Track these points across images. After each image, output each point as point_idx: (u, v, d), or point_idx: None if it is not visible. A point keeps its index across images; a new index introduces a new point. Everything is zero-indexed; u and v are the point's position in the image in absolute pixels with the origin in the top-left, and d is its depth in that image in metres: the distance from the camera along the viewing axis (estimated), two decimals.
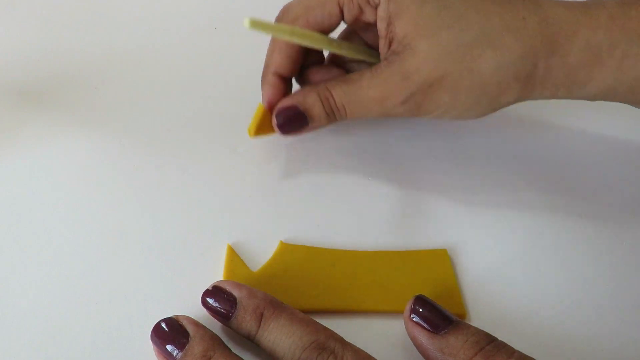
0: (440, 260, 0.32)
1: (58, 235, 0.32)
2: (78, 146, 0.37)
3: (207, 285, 0.28)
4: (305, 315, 0.27)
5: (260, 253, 0.32)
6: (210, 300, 0.27)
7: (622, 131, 0.40)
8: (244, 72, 0.43)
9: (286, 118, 0.33)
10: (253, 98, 0.41)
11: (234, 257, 0.31)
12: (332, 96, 0.33)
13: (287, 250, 0.31)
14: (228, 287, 0.27)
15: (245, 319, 0.26)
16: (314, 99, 0.33)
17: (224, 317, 0.27)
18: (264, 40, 0.47)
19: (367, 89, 0.32)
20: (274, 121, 0.33)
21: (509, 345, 0.25)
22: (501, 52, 0.30)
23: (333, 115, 0.33)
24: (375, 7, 0.32)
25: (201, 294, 0.27)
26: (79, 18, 0.48)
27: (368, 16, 0.33)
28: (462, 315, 0.29)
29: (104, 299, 0.29)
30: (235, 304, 0.27)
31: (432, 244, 0.33)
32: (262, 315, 0.26)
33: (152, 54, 0.44)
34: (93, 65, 0.43)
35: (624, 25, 0.30)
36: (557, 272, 0.32)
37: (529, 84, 0.31)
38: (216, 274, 0.30)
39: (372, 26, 0.34)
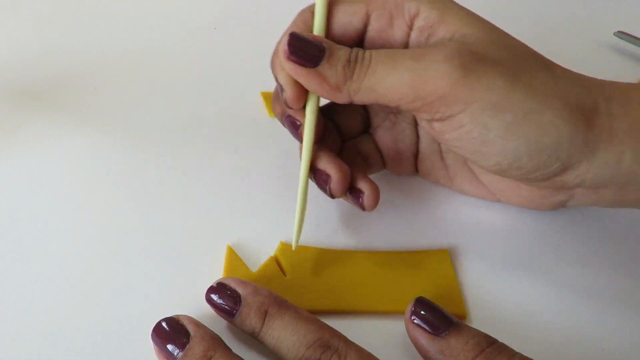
0: (441, 261, 0.32)
1: (58, 235, 0.32)
2: (78, 146, 0.37)
3: (208, 285, 0.28)
4: (310, 314, 0.27)
5: (260, 253, 0.32)
6: (214, 297, 0.27)
7: None
8: (244, 72, 0.43)
9: (301, 42, 0.27)
10: (253, 98, 0.41)
11: (234, 258, 0.31)
12: (361, 51, 0.27)
13: (287, 250, 0.31)
14: (232, 284, 0.27)
15: (249, 316, 0.26)
16: (339, 45, 0.28)
17: (227, 313, 0.27)
18: (263, 40, 0.47)
19: (405, 53, 0.27)
20: (285, 42, 0.27)
21: (509, 347, 0.25)
22: (559, 74, 0.27)
23: (352, 69, 0.27)
24: (411, 19, 0.28)
25: (205, 291, 0.27)
26: (79, 18, 0.48)
27: (395, 31, 0.29)
28: (463, 315, 0.29)
29: (104, 299, 0.29)
30: (240, 301, 0.27)
31: (433, 244, 0.33)
32: (266, 312, 0.26)
33: (152, 54, 0.44)
34: (93, 66, 0.43)
35: None
36: (558, 273, 0.32)
37: (593, 126, 0.26)
38: (216, 274, 0.30)
39: None
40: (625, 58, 0.46)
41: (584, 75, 0.28)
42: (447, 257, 0.32)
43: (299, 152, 0.31)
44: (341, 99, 0.28)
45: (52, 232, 0.32)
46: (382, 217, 0.34)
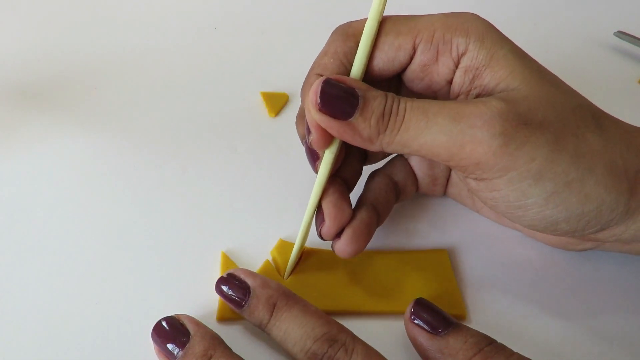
0: (440, 261, 0.32)
1: (57, 235, 0.32)
2: (78, 146, 0.37)
3: (207, 285, 0.28)
4: (318, 309, 0.27)
5: (260, 253, 0.32)
6: (224, 288, 0.27)
7: None
8: (244, 72, 0.43)
9: (334, 91, 0.25)
10: (253, 98, 0.41)
11: (230, 264, 0.31)
12: (396, 102, 0.26)
13: (285, 249, 0.31)
14: (242, 276, 0.28)
15: (257, 308, 0.26)
16: (375, 92, 0.26)
17: (236, 304, 0.27)
18: (263, 40, 0.47)
19: (441, 110, 0.25)
20: (315, 92, 0.25)
21: (507, 347, 0.25)
22: (607, 129, 0.26)
23: (385, 123, 0.25)
24: (459, 57, 0.27)
25: (204, 290, 0.28)
26: (79, 18, 0.48)
27: (440, 67, 0.27)
28: (462, 316, 0.29)
29: (103, 300, 0.29)
30: (249, 292, 0.27)
31: (432, 245, 0.33)
32: (274, 305, 0.26)
33: (152, 54, 0.44)
34: (93, 66, 0.43)
35: None
36: (557, 273, 0.32)
37: (636, 192, 0.25)
38: (215, 274, 0.30)
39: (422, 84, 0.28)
40: (625, 58, 0.46)
41: (633, 128, 0.27)
42: (446, 257, 0.32)
43: (306, 155, 0.29)
44: (373, 149, 0.26)
45: (51, 232, 0.32)
46: None
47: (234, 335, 0.28)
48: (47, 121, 0.38)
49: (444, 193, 0.35)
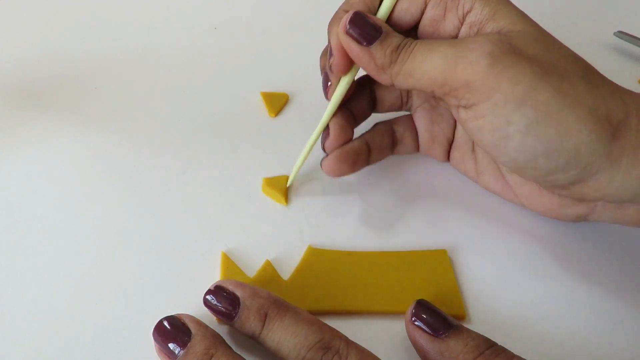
0: (440, 261, 0.32)
1: (57, 235, 0.32)
2: (78, 146, 0.37)
3: (207, 285, 0.28)
4: (310, 315, 0.27)
5: (260, 253, 0.32)
6: (212, 300, 0.27)
7: None
8: (244, 72, 0.43)
9: (362, 21, 0.29)
10: (253, 98, 0.41)
11: (229, 264, 0.31)
12: (410, 40, 0.29)
13: (275, 180, 0.33)
14: (230, 287, 0.27)
15: (249, 319, 0.26)
16: (396, 33, 0.29)
17: (226, 317, 0.27)
18: (263, 40, 0.47)
19: (444, 41, 0.28)
20: (347, 16, 0.29)
21: (508, 350, 0.25)
22: (594, 80, 0.27)
23: (398, 54, 0.29)
24: (464, 14, 0.29)
25: (203, 294, 0.27)
26: (79, 18, 0.48)
27: (447, 23, 0.29)
28: (462, 316, 0.29)
29: (103, 300, 0.29)
30: (239, 303, 0.26)
31: (432, 245, 0.33)
32: (266, 315, 0.26)
33: (152, 54, 0.44)
34: (93, 66, 0.43)
35: None
36: (557, 274, 0.32)
37: (620, 136, 0.26)
38: (215, 274, 0.30)
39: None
40: (625, 58, 0.46)
41: (625, 89, 0.27)
42: (446, 257, 0.32)
43: (322, 83, 0.33)
44: (384, 79, 0.30)
45: (51, 232, 0.32)
46: (382, 217, 0.34)
47: (234, 335, 0.28)
48: (47, 121, 0.38)
49: (446, 158, 0.36)
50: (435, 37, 0.30)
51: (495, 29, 0.28)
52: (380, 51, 0.29)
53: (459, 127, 0.35)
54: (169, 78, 0.43)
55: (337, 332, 0.26)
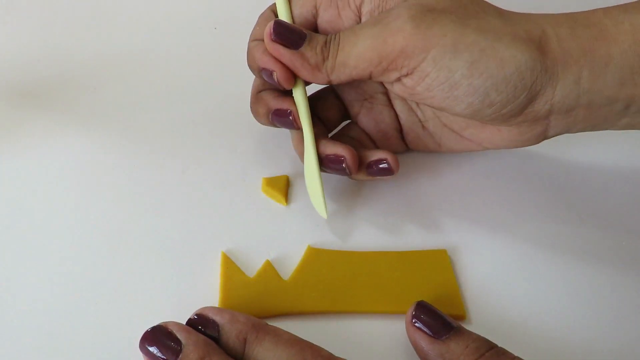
0: (440, 261, 0.32)
1: (56, 235, 0.32)
2: (78, 146, 0.37)
3: (207, 285, 0.28)
4: (291, 335, 0.26)
5: (260, 253, 0.32)
6: (199, 328, 0.26)
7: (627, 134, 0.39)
8: (243, 72, 0.43)
9: (284, 28, 0.30)
10: None
11: (229, 264, 0.31)
12: (334, 34, 0.31)
13: (275, 180, 0.33)
14: (210, 314, 0.26)
15: (228, 345, 0.25)
16: (316, 33, 0.31)
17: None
18: None
19: (365, 23, 0.30)
20: (270, 26, 0.30)
21: (509, 352, 0.25)
22: (506, 14, 0.29)
23: (328, 49, 0.30)
24: (358, 8, 0.31)
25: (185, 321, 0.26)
26: (79, 18, 0.48)
27: (345, 21, 0.32)
28: (462, 316, 0.29)
29: (103, 300, 0.29)
30: (218, 330, 0.25)
31: (432, 244, 0.33)
32: (245, 340, 0.25)
33: (151, 54, 0.44)
34: (93, 66, 0.43)
35: (620, 7, 0.29)
36: (557, 274, 0.32)
37: (546, 50, 0.28)
38: (216, 274, 0.30)
39: None
40: None
41: (532, 13, 0.30)
42: (446, 257, 0.32)
43: (294, 144, 0.34)
44: (321, 78, 0.31)
45: (51, 232, 0.32)
46: (381, 217, 0.34)
47: None
48: (47, 121, 0.38)
49: (406, 147, 0.36)
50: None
51: (399, 2, 0.30)
52: (310, 51, 0.30)
53: (400, 114, 0.35)
54: (169, 78, 0.43)
55: (320, 350, 0.25)
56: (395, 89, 0.31)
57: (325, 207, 0.32)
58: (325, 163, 0.32)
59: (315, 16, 0.32)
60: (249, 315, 0.26)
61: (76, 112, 0.39)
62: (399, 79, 0.30)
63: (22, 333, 0.28)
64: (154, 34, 0.46)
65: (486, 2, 0.30)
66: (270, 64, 0.31)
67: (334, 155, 0.32)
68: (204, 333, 0.25)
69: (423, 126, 0.35)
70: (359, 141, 0.35)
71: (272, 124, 0.33)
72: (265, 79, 0.32)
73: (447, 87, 0.29)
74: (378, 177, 0.32)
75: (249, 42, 0.33)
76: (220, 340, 0.25)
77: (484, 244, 0.33)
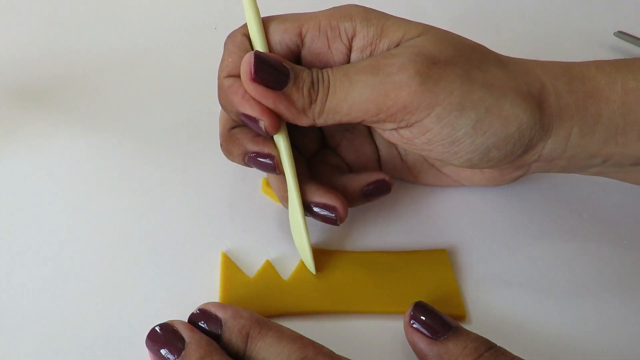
0: (440, 261, 0.32)
1: (56, 235, 0.32)
2: (78, 146, 0.37)
3: (207, 285, 0.28)
4: (293, 332, 0.26)
5: (260, 253, 0.32)
6: (199, 323, 0.26)
7: None
8: None
9: (265, 64, 0.26)
10: None
11: (229, 264, 0.31)
12: (321, 72, 0.27)
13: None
14: (213, 309, 0.26)
15: (231, 341, 0.25)
16: (300, 67, 0.28)
17: (213, 338, 0.26)
18: None
19: (360, 67, 0.27)
20: (249, 62, 0.26)
21: (508, 352, 0.25)
22: (506, 64, 0.28)
23: (316, 92, 0.27)
24: (349, 41, 0.28)
25: (188, 316, 0.27)
26: (79, 18, 0.48)
27: (335, 53, 0.29)
28: (462, 316, 0.29)
29: (103, 300, 0.29)
30: (221, 325, 0.26)
31: (432, 245, 0.33)
32: (247, 335, 0.25)
33: (152, 54, 0.44)
34: (93, 65, 0.43)
35: (613, 64, 0.29)
36: (557, 274, 0.32)
37: (545, 105, 0.28)
38: (216, 274, 0.30)
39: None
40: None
41: (530, 61, 0.29)
42: (446, 257, 0.32)
43: (274, 187, 0.31)
44: (305, 122, 0.28)
45: (51, 232, 0.32)
46: (382, 218, 0.34)
47: None
48: (47, 121, 0.38)
49: None
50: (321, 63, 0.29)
51: (393, 44, 0.28)
52: (296, 92, 0.27)
53: (380, 147, 0.34)
54: (169, 78, 0.43)
55: (322, 347, 0.25)
56: (388, 136, 0.29)
57: (313, 262, 0.30)
58: (312, 211, 0.30)
59: (299, 46, 0.29)
60: (251, 312, 0.26)
61: (76, 112, 0.39)
62: (395, 129, 0.28)
63: (22, 333, 0.28)
64: (154, 34, 0.46)
65: (486, 49, 0.29)
66: (256, 112, 0.27)
67: (323, 204, 0.29)
68: (206, 328, 0.26)
69: (402, 159, 0.35)
70: (338, 167, 0.33)
71: (248, 165, 0.30)
72: (247, 123, 0.28)
73: (448, 143, 0.27)
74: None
75: (220, 78, 0.29)
76: (222, 335, 0.26)
77: (484, 244, 0.33)
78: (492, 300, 0.30)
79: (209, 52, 0.45)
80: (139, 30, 0.47)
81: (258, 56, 0.26)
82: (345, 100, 0.27)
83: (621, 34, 0.47)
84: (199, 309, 0.27)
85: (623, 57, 0.30)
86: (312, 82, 0.27)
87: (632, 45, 0.47)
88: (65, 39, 0.45)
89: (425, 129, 0.27)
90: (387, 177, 0.31)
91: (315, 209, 0.30)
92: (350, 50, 0.29)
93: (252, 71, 0.26)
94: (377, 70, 0.27)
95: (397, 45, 0.28)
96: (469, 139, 0.27)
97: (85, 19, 0.48)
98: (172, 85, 0.42)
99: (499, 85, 0.27)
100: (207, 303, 0.27)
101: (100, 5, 0.49)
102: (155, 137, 0.38)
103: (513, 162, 0.29)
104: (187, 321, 0.26)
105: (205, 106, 0.40)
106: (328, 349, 0.25)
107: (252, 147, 0.29)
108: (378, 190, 0.31)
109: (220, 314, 0.26)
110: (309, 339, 0.26)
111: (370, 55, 0.28)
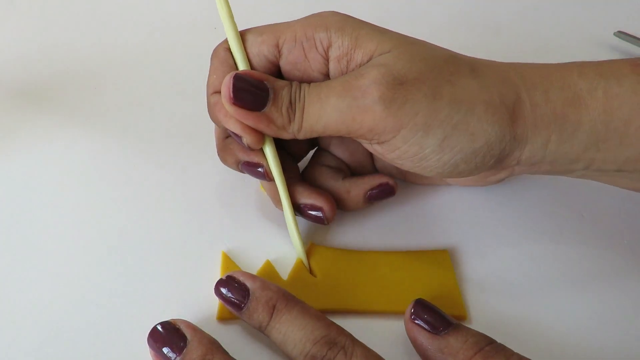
0: (441, 261, 0.32)
1: (57, 235, 0.32)
2: (78, 146, 0.37)
3: (207, 285, 0.28)
4: (318, 312, 0.27)
5: (260, 253, 0.32)
6: (223, 290, 0.27)
7: None
8: None
9: (244, 84, 0.27)
10: None
11: (230, 264, 0.31)
12: (299, 89, 0.28)
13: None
14: (241, 278, 0.27)
15: (257, 310, 0.26)
16: (280, 81, 0.28)
17: (235, 307, 0.27)
18: None
19: (331, 88, 0.28)
20: (228, 86, 0.27)
21: (507, 348, 0.25)
22: (481, 73, 0.28)
23: (293, 110, 0.28)
24: (325, 51, 0.28)
25: (212, 287, 0.28)
26: (79, 18, 0.48)
27: (312, 63, 0.29)
28: (462, 316, 0.29)
29: (103, 300, 0.29)
30: (248, 294, 0.27)
31: (433, 245, 0.33)
32: (274, 307, 0.26)
33: (152, 54, 0.44)
34: (93, 65, 0.43)
35: (596, 69, 0.28)
36: (557, 274, 0.32)
37: (518, 116, 0.27)
38: (215, 274, 0.30)
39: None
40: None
41: (506, 66, 0.29)
42: (447, 257, 0.32)
43: (267, 190, 0.32)
44: (287, 137, 0.29)
45: (51, 232, 0.32)
46: (382, 218, 0.34)
47: (234, 336, 0.28)
48: (47, 121, 0.38)
49: (376, 171, 0.35)
50: (306, 79, 0.29)
51: (366, 57, 0.28)
52: (276, 112, 0.28)
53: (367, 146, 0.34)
54: (169, 78, 0.43)
55: (344, 330, 0.26)
56: (366, 146, 0.29)
57: (307, 260, 0.31)
58: (302, 212, 0.31)
59: (277, 57, 0.29)
60: (278, 285, 0.27)
61: (76, 112, 0.39)
62: (369, 143, 0.28)
63: (23, 333, 0.28)
64: (154, 34, 0.46)
65: (460, 59, 0.28)
66: (238, 130, 0.28)
67: (310, 205, 0.31)
68: (231, 295, 0.27)
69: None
70: (340, 170, 0.33)
71: (242, 172, 0.31)
72: (233, 137, 0.30)
73: (417, 159, 0.28)
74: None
75: (207, 95, 0.30)
76: (249, 305, 0.27)
77: (485, 244, 0.33)
78: (492, 300, 0.30)
79: (209, 52, 0.45)
80: (139, 30, 0.47)
81: (238, 78, 0.27)
82: (318, 122, 0.28)
83: (621, 34, 0.47)
84: (227, 276, 0.28)
85: (623, 57, 0.30)
86: (290, 101, 0.28)
87: (632, 45, 0.47)
88: (65, 39, 0.45)
89: (394, 147, 0.27)
90: (390, 181, 0.32)
91: (304, 209, 0.31)
92: (327, 60, 0.29)
93: (231, 95, 0.27)
94: (346, 92, 0.27)
95: (370, 58, 0.28)
96: (437, 156, 0.27)
97: (85, 19, 0.48)
98: (172, 85, 0.42)
99: (468, 100, 0.27)
100: (236, 271, 0.28)
101: (100, 5, 0.49)
102: (155, 137, 0.38)
103: (490, 169, 0.29)
104: (214, 287, 0.28)
105: (205, 106, 0.40)
106: (350, 333, 0.26)
107: (243, 156, 0.30)
108: (382, 194, 0.32)
109: (249, 283, 0.27)
110: (333, 321, 0.26)
111: (347, 65, 0.28)
